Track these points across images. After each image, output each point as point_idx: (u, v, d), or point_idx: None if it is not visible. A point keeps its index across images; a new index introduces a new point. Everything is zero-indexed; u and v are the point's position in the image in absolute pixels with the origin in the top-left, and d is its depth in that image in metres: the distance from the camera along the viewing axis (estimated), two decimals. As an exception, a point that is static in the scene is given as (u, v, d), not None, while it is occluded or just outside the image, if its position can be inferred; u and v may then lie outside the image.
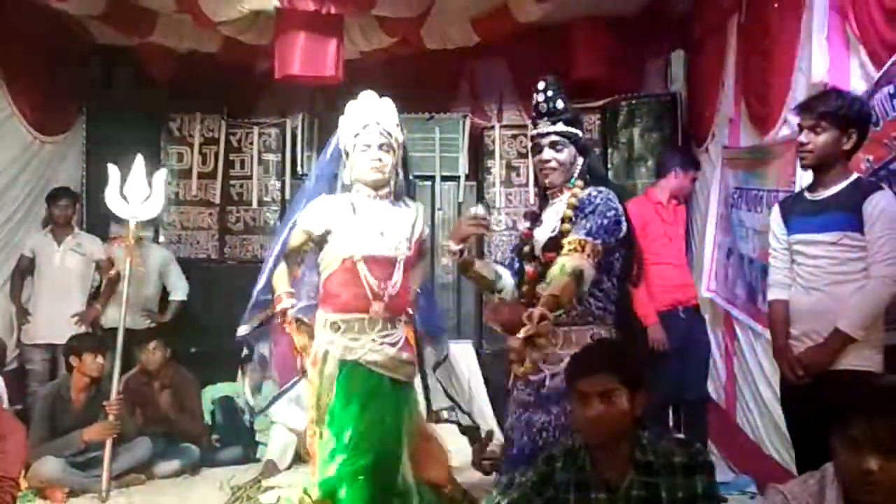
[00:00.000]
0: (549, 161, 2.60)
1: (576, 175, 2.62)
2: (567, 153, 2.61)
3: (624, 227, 2.53)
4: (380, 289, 2.79)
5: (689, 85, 5.19)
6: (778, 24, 3.53)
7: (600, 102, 5.48)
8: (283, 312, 2.90)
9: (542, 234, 2.62)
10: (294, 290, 3.00)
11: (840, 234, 2.50)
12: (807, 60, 3.19)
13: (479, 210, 2.64)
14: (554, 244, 2.52)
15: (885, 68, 2.64)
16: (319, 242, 2.89)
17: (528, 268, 2.66)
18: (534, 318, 2.10)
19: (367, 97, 2.92)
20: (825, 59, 3.05)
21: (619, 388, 2.00)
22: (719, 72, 4.43)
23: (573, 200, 2.55)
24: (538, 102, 2.62)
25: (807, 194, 2.67)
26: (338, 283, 2.81)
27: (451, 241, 2.62)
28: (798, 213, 2.67)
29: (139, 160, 4.11)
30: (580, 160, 2.64)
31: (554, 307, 2.20)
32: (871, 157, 2.70)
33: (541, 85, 2.61)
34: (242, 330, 3.06)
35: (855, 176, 2.57)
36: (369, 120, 2.83)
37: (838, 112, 2.52)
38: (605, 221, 2.46)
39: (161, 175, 4.19)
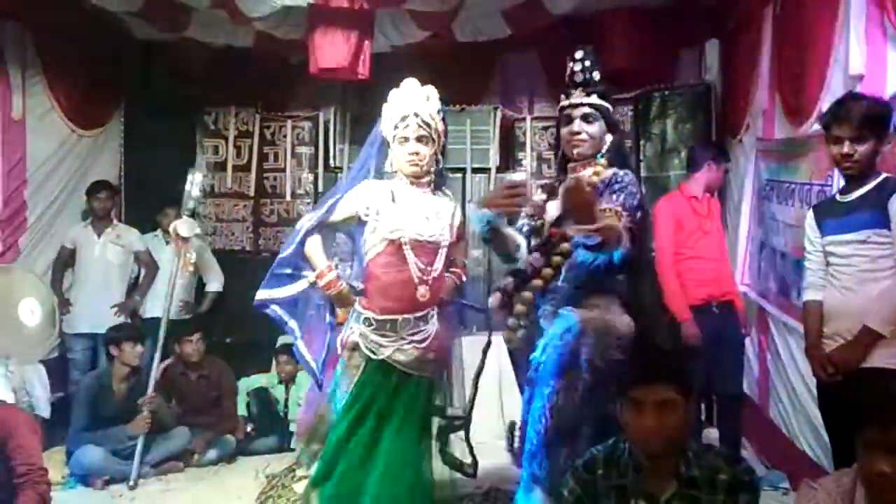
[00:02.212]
0: (579, 133, 2.58)
1: (603, 150, 2.60)
2: (598, 126, 2.59)
3: (640, 214, 2.51)
4: (424, 272, 2.79)
5: (723, 75, 5.13)
6: (814, 14, 3.47)
7: (633, 93, 5.44)
8: (329, 284, 2.84)
9: (553, 209, 2.61)
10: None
11: (868, 233, 2.51)
12: (843, 53, 3.13)
13: (517, 176, 2.61)
14: (562, 221, 2.51)
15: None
16: (360, 223, 2.87)
17: (535, 241, 2.65)
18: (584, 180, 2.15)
19: (409, 86, 2.88)
20: (863, 51, 3.00)
21: (675, 397, 1.94)
22: (754, 62, 4.37)
23: (594, 178, 2.52)
24: (574, 72, 2.59)
25: (838, 197, 2.68)
26: (382, 265, 2.80)
27: (485, 207, 2.56)
28: (830, 215, 2.68)
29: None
30: (609, 136, 2.62)
31: (612, 233, 2.22)
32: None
33: (578, 54, 2.58)
34: (262, 294, 2.97)
35: (883, 175, 2.56)
36: (408, 111, 2.81)
37: (879, 119, 2.52)
38: (634, 202, 2.46)
39: (198, 178, 4.36)
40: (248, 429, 4.75)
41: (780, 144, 4.03)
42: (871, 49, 2.96)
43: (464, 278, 3.07)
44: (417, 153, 2.81)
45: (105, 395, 4.23)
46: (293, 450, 4.53)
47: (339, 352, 2.89)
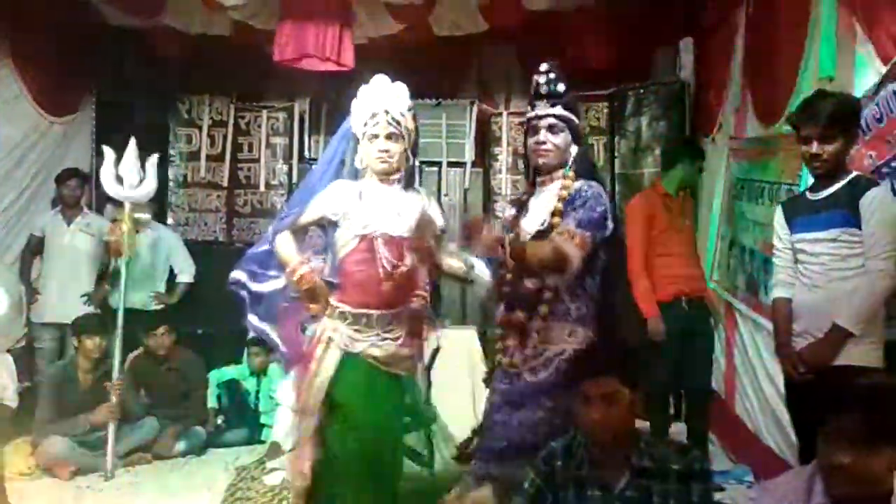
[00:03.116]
0: (544, 143, 2.60)
1: (569, 162, 2.62)
2: (563, 137, 2.61)
3: (610, 226, 2.52)
4: (393, 269, 2.76)
5: (697, 74, 5.18)
6: (786, 16, 3.52)
7: (608, 91, 5.49)
8: (302, 279, 2.78)
9: (529, 225, 2.62)
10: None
11: (839, 231, 2.52)
12: (814, 53, 3.18)
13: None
14: (541, 238, 2.52)
15: (891, 64, 2.64)
16: (330, 225, 2.86)
17: (510, 259, 2.63)
18: (478, 223, 2.24)
19: (379, 82, 2.85)
20: (832, 53, 3.04)
21: (621, 389, 2.02)
22: (727, 61, 4.42)
23: (564, 193, 2.55)
24: (539, 84, 2.62)
25: (808, 194, 2.68)
26: (354, 262, 2.77)
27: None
28: (799, 213, 2.68)
29: (132, 143, 4.12)
30: (574, 147, 2.64)
31: (520, 252, 2.30)
32: (873, 154, 2.71)
33: (543, 67, 2.61)
34: (236, 275, 2.97)
35: (854, 174, 2.58)
36: (378, 108, 2.78)
37: (846, 117, 2.53)
38: (594, 216, 2.47)
39: (153, 160, 4.19)
40: (219, 421, 4.73)
41: (751, 143, 4.08)
42: (841, 50, 3.01)
43: (424, 301, 2.97)
44: (387, 151, 2.79)
45: (71, 385, 4.18)
46: (263, 442, 4.52)
47: (311, 347, 2.85)
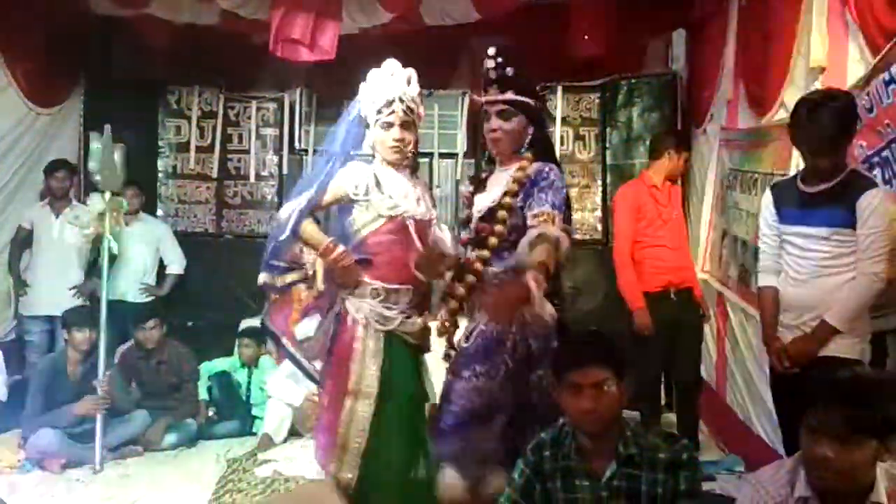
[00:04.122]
0: (495, 130, 2.59)
1: (525, 145, 2.62)
2: (516, 122, 2.59)
3: (566, 206, 2.57)
4: (422, 248, 2.77)
5: (689, 65, 5.18)
6: (778, 6, 3.51)
7: (600, 81, 5.48)
8: (338, 258, 2.72)
9: (481, 202, 2.64)
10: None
11: (833, 230, 2.51)
12: (806, 44, 3.18)
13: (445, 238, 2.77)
14: (491, 214, 2.57)
15: (881, 55, 2.64)
16: (349, 203, 2.81)
17: (464, 234, 2.73)
18: (533, 290, 2.17)
19: (392, 68, 2.82)
20: (824, 43, 3.05)
21: (609, 378, 2.03)
22: (719, 53, 4.42)
23: (519, 174, 2.56)
24: (487, 69, 2.61)
25: (801, 185, 2.64)
26: (383, 241, 2.76)
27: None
28: (791, 203, 2.65)
29: (107, 130, 4.09)
30: (530, 130, 2.62)
31: (545, 272, 2.25)
32: (864, 144, 2.70)
33: (491, 51, 2.60)
34: (263, 278, 3.04)
35: (849, 169, 2.55)
36: (393, 95, 2.74)
37: (842, 127, 2.49)
38: (561, 197, 2.50)
39: (119, 150, 4.15)
40: (210, 413, 4.71)
41: (743, 134, 4.08)
42: (833, 41, 3.01)
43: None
44: (402, 139, 2.77)
45: (60, 378, 4.15)
46: (255, 434, 4.52)
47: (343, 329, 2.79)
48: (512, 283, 2.39)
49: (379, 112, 2.76)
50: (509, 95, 2.57)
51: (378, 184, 2.78)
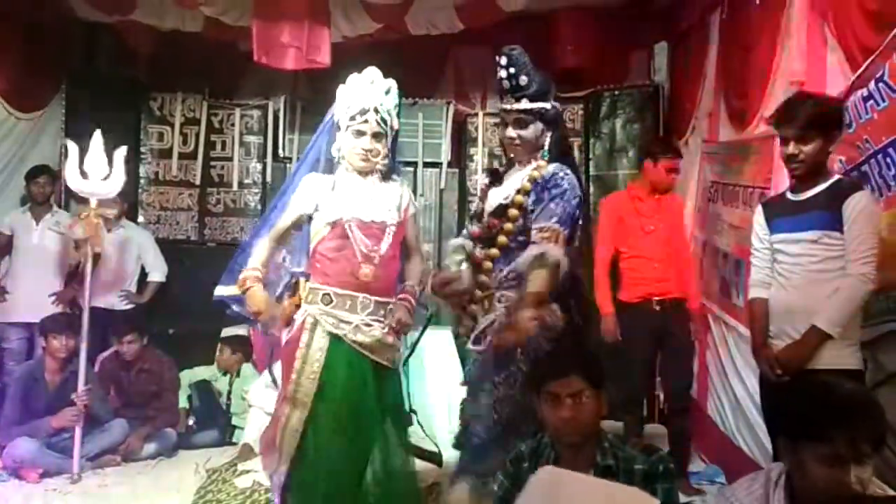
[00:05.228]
0: (513, 138, 2.61)
1: (545, 147, 2.63)
2: (532, 129, 2.60)
3: (579, 211, 2.56)
4: (370, 251, 2.73)
5: (671, 77, 5.23)
6: (758, 21, 3.56)
7: (583, 92, 5.51)
8: (241, 282, 2.80)
9: (494, 198, 2.65)
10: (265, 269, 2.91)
11: (820, 233, 2.51)
12: (785, 59, 3.23)
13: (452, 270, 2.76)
14: (502, 211, 2.57)
15: (860, 71, 2.68)
16: (308, 222, 2.84)
17: (474, 228, 2.70)
18: (524, 321, 2.18)
19: (371, 75, 2.81)
20: (803, 58, 3.09)
21: (588, 388, 2.05)
22: (701, 66, 4.46)
23: (535, 173, 2.57)
24: (501, 79, 2.61)
25: (789, 195, 2.67)
26: (328, 249, 2.75)
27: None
28: (780, 213, 2.67)
29: (97, 136, 4.06)
30: (548, 134, 2.63)
31: (538, 303, 2.24)
32: (843, 158, 2.74)
33: (502, 60, 2.58)
34: (219, 290, 2.99)
35: (836, 177, 2.58)
36: (368, 105, 2.73)
37: (823, 118, 2.52)
38: (570, 209, 2.49)
39: (121, 153, 4.12)
40: (190, 422, 4.68)
41: (724, 147, 4.12)
42: (812, 56, 3.05)
43: (413, 301, 2.95)
44: (371, 150, 2.76)
45: (37, 386, 4.11)
46: (235, 443, 4.48)
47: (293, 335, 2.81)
48: (511, 329, 2.41)
49: (352, 119, 2.74)
50: (524, 104, 2.58)
51: (333, 188, 2.78)
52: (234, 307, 2.99)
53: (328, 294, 2.73)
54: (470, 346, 2.63)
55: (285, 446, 2.74)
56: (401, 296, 2.88)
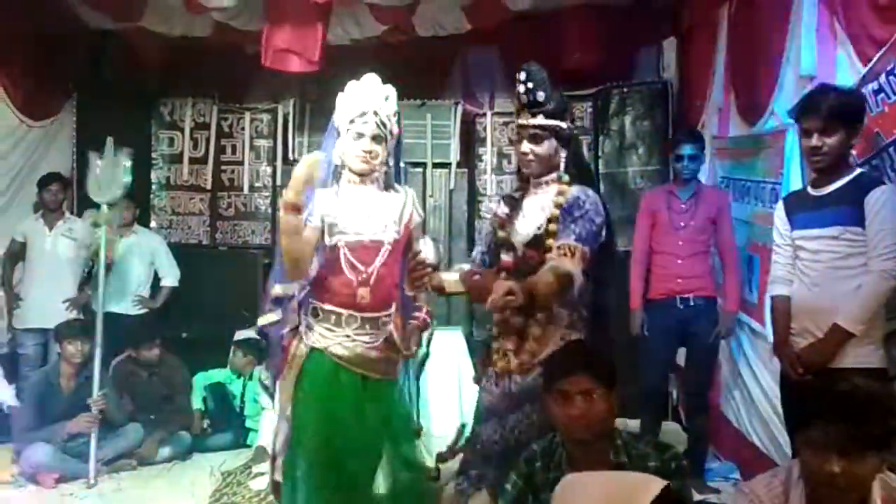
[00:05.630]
0: (527, 154, 2.60)
1: (561, 167, 2.60)
2: (547, 146, 2.57)
3: (604, 232, 2.51)
4: (364, 273, 2.70)
5: (680, 74, 5.20)
6: (767, 15, 3.54)
7: (592, 90, 5.50)
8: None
9: (524, 228, 2.59)
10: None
11: (842, 229, 2.48)
12: (795, 53, 3.21)
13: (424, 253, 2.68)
14: (537, 241, 2.51)
15: (870, 64, 2.66)
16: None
17: (506, 257, 2.62)
18: (499, 290, 2.12)
19: (370, 81, 2.79)
20: (813, 52, 3.07)
21: (598, 386, 2.04)
22: (710, 61, 4.44)
23: (560, 199, 2.52)
24: (519, 94, 2.60)
25: (810, 190, 2.63)
26: (326, 269, 2.74)
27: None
28: (801, 209, 2.63)
29: (109, 143, 4.09)
30: (563, 152, 2.61)
31: (527, 294, 2.18)
32: (854, 152, 2.72)
33: (521, 76, 2.56)
34: (262, 320, 2.94)
35: (857, 171, 2.54)
36: (367, 108, 2.72)
37: (846, 110, 2.48)
38: (594, 228, 2.44)
39: (123, 158, 4.15)
40: (204, 425, 4.70)
41: (734, 142, 4.10)
42: (822, 50, 3.03)
43: (427, 321, 2.95)
44: (370, 152, 2.75)
45: (52, 392, 4.15)
46: (249, 446, 4.50)
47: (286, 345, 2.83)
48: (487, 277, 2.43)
49: (352, 122, 2.73)
50: (540, 120, 2.56)
51: (337, 195, 2.76)
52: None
53: (316, 308, 2.74)
54: (517, 380, 2.51)
55: (278, 450, 2.78)
56: (412, 318, 2.89)
